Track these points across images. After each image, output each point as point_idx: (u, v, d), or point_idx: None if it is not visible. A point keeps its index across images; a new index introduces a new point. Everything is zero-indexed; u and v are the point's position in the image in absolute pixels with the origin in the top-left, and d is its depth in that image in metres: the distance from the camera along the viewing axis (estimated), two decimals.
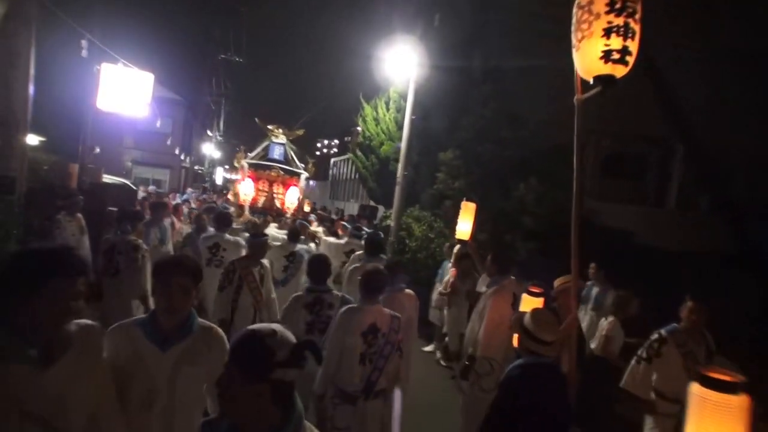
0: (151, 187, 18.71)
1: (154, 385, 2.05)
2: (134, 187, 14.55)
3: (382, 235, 7.83)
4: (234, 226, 7.22)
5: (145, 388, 2.04)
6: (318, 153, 57.44)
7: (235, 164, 12.07)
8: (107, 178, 11.84)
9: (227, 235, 5.90)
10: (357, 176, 16.74)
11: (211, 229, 6.23)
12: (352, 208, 17.63)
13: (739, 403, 1.55)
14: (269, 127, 10.63)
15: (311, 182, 37.92)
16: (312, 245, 7.18)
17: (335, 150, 52.13)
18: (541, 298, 3.79)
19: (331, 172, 31.99)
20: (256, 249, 4.61)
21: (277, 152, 10.32)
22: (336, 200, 26.61)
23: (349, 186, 23.34)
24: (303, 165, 10.88)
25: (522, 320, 2.91)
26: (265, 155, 10.41)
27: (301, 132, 11.36)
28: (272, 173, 10.08)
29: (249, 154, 10.80)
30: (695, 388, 1.63)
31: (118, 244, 4.82)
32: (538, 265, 7.94)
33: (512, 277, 4.84)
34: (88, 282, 1.76)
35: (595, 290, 6.25)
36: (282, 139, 10.42)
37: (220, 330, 2.24)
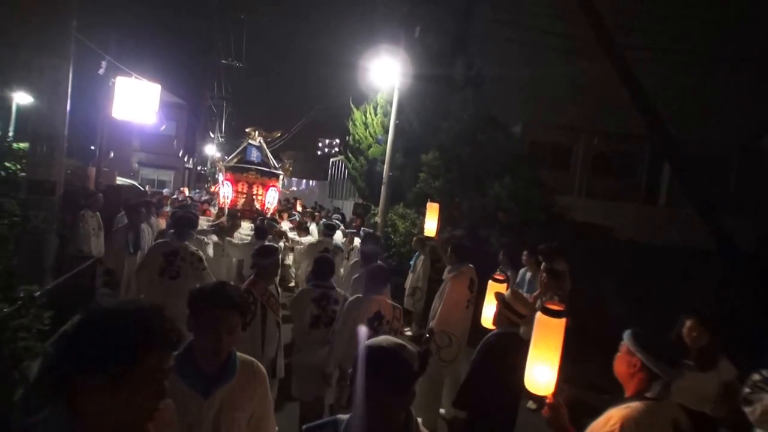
0: (166, 190, 19.55)
1: None
2: (141, 188, 15.64)
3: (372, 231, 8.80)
4: (205, 227, 7.43)
5: None
6: (319, 153, 58.30)
7: (218, 171, 11.95)
8: (119, 180, 12.92)
9: (186, 244, 5.75)
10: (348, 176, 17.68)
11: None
12: (349, 206, 18.57)
13: (558, 323, 2.40)
14: (246, 129, 10.76)
15: (312, 182, 38.88)
16: (281, 244, 7.39)
17: (336, 149, 52.64)
18: (504, 284, 4.29)
19: (330, 171, 32.74)
20: (264, 271, 3.92)
21: (254, 154, 10.34)
22: (334, 199, 27.46)
23: (346, 185, 24.22)
24: (280, 165, 10.98)
25: (503, 296, 3.42)
26: (242, 158, 10.46)
27: (277, 134, 11.62)
28: (250, 175, 10.14)
29: (226, 157, 11.00)
30: (537, 314, 2.47)
31: (180, 251, 4.72)
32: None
33: (470, 265, 5.71)
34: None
35: (528, 275, 6.68)
36: (258, 141, 10.50)
37: (260, 365, 1.99)
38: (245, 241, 7.00)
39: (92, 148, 12.82)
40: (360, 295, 3.80)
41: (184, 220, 5.08)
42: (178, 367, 1.72)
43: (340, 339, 3.59)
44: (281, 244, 7.42)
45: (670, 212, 17.01)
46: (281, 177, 10.84)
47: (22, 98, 17.10)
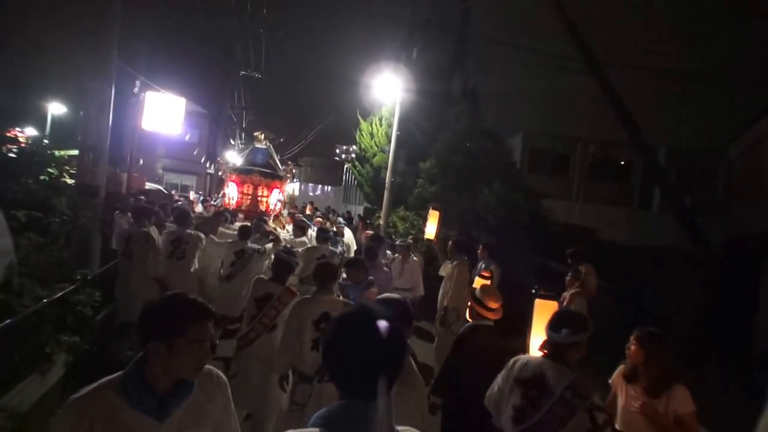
0: (193, 195, 20.37)
1: None
2: (166, 192, 16.93)
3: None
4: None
5: None
6: (336, 159, 59.49)
7: (222, 173, 12.16)
8: (148, 185, 14.15)
9: (188, 230, 6.13)
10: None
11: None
12: (360, 210, 19.57)
13: (551, 304, 3.18)
14: (254, 133, 10.96)
15: (327, 187, 39.96)
16: (269, 246, 6.98)
17: (353, 155, 53.06)
18: (489, 280, 5.16)
19: (344, 177, 33.69)
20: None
21: (259, 157, 10.58)
22: (348, 203, 28.51)
23: (358, 190, 25.31)
24: (284, 168, 11.16)
25: (474, 292, 3.67)
26: (249, 160, 10.71)
27: (281, 138, 12.16)
28: (254, 177, 10.30)
29: (236, 162, 11.27)
30: (536, 300, 3.25)
31: (134, 235, 5.75)
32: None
33: (465, 257, 6.73)
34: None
35: (483, 266, 7.07)
36: (264, 144, 10.68)
37: (218, 371, 1.83)
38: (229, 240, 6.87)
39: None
40: (307, 296, 3.75)
41: (139, 209, 6.27)
42: (127, 392, 1.57)
43: (284, 341, 3.53)
44: (269, 246, 7.00)
45: (660, 216, 17.67)
46: (286, 179, 11.01)
47: (56, 108, 18.64)
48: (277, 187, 10.52)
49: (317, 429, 1.25)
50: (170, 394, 1.61)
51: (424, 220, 11.65)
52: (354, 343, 1.31)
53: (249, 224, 7.24)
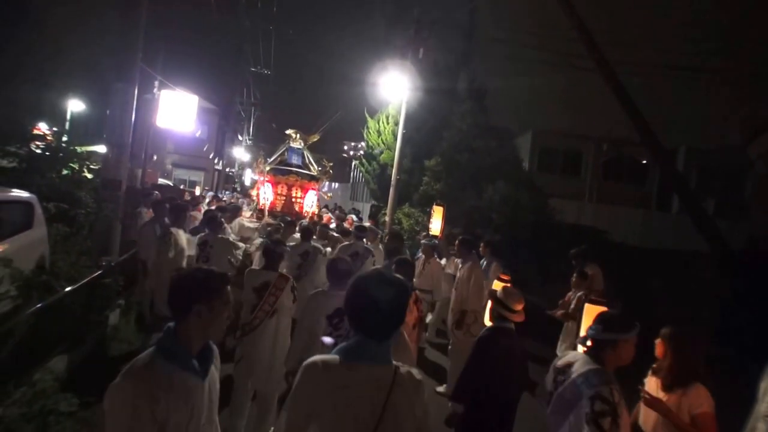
0: (210, 193, 20.39)
1: (199, 425, 1.83)
2: (175, 186, 17.36)
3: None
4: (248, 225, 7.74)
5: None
6: (344, 155, 59.82)
7: (255, 170, 11.95)
8: (161, 181, 14.58)
9: (219, 235, 5.99)
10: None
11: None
12: (367, 208, 19.81)
13: (598, 309, 3.31)
14: (287, 132, 10.79)
15: (334, 184, 40.27)
16: (328, 249, 6.99)
17: (361, 152, 53.08)
18: (508, 284, 4.83)
19: (352, 174, 33.97)
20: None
21: (295, 157, 10.51)
22: (355, 201, 28.82)
23: (366, 188, 25.59)
24: (321, 169, 10.98)
25: (496, 293, 3.56)
26: (283, 160, 10.58)
27: (316, 137, 11.46)
28: (290, 178, 10.19)
29: (268, 159, 10.97)
30: (585, 305, 3.59)
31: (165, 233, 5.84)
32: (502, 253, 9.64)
33: (476, 258, 6.61)
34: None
35: (484, 264, 7.18)
36: (299, 144, 10.58)
37: None
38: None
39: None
40: (321, 289, 3.81)
41: (178, 207, 6.33)
42: (170, 358, 1.75)
43: (299, 334, 3.63)
44: (329, 249, 7.04)
45: (680, 218, 17.40)
46: (321, 180, 10.93)
47: (75, 105, 19.14)
48: (313, 189, 10.42)
49: (337, 356, 1.68)
50: (203, 356, 1.83)
51: (429, 216, 12.04)
52: (372, 295, 1.69)
53: (311, 225, 7.34)
